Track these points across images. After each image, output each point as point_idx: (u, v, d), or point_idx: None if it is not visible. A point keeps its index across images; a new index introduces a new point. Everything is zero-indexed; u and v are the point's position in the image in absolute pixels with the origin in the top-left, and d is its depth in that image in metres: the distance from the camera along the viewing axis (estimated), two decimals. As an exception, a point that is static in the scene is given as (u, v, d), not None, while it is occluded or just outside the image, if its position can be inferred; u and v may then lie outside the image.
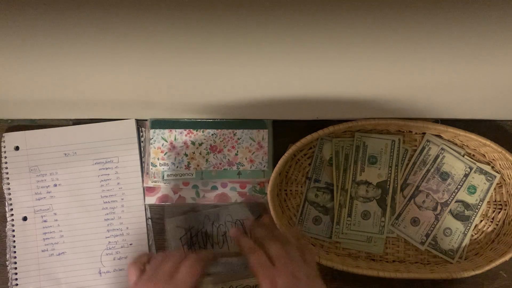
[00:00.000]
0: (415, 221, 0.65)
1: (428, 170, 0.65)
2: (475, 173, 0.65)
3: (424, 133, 0.66)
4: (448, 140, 0.66)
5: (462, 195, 0.65)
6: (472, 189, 0.65)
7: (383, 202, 0.65)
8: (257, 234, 0.53)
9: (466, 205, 0.65)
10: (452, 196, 0.65)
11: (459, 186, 0.65)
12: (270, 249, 0.48)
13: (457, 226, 0.65)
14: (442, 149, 0.65)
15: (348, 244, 0.66)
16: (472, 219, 0.65)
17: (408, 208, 0.65)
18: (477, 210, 0.65)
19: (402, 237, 0.66)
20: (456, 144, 0.65)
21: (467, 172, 0.65)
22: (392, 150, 0.65)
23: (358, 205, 0.65)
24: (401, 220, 0.65)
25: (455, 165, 0.65)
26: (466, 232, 0.65)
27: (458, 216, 0.65)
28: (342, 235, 0.65)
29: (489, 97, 0.53)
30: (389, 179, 0.65)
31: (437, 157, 0.65)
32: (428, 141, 0.66)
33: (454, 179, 0.65)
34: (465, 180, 0.65)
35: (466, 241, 0.65)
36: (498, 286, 0.65)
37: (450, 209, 0.65)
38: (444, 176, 0.65)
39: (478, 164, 0.65)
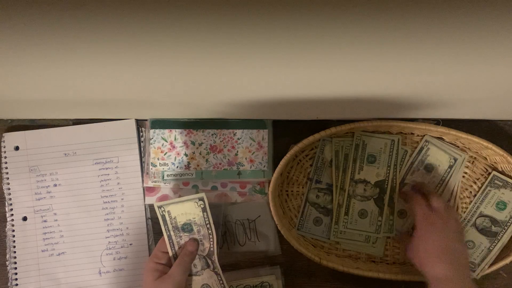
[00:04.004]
0: (401, 214, 0.66)
1: (412, 163, 0.65)
2: (505, 189, 0.64)
3: (425, 135, 0.66)
4: (450, 143, 0.65)
5: (490, 210, 0.64)
6: (501, 205, 0.64)
7: (381, 201, 0.65)
8: (425, 188, 0.63)
9: (494, 221, 0.64)
10: (437, 187, 0.65)
11: (443, 178, 0.65)
12: (432, 200, 0.59)
13: (481, 240, 0.63)
14: (426, 141, 0.65)
15: (348, 245, 0.66)
16: (500, 235, 0.63)
17: (405, 191, 0.66)
18: (506, 227, 0.63)
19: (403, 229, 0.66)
20: (458, 147, 0.65)
21: (451, 164, 0.65)
22: (392, 149, 0.65)
23: (356, 204, 0.65)
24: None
25: (439, 157, 0.65)
26: (491, 248, 0.63)
27: (483, 231, 0.64)
28: (341, 235, 0.65)
29: (489, 97, 0.53)
30: (387, 179, 0.65)
31: (421, 149, 0.65)
32: (426, 141, 0.65)
33: (438, 171, 0.65)
34: (449, 172, 0.65)
35: (491, 256, 0.63)
36: (498, 286, 0.65)
37: (475, 223, 0.64)
38: (429, 167, 0.65)
39: (495, 173, 0.64)
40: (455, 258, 0.54)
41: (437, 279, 0.53)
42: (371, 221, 0.65)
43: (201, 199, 0.55)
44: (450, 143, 0.65)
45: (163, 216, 0.56)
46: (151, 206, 0.66)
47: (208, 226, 0.57)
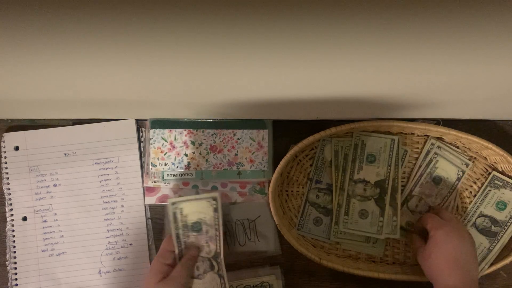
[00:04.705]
0: (409, 225, 0.65)
1: (421, 175, 0.65)
2: (505, 189, 0.63)
3: (425, 135, 0.66)
4: (450, 143, 0.65)
5: (490, 210, 0.64)
6: (501, 205, 0.64)
7: (382, 201, 0.64)
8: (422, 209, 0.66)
9: (494, 221, 0.64)
10: (445, 199, 0.65)
11: (451, 190, 0.65)
12: (443, 214, 0.59)
13: (481, 240, 0.63)
14: (435, 153, 0.65)
15: (348, 245, 0.66)
16: (500, 235, 0.63)
17: (401, 212, 0.65)
18: (506, 227, 0.63)
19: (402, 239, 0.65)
20: (457, 147, 0.65)
21: (459, 176, 0.64)
22: (392, 149, 0.65)
23: (356, 204, 0.64)
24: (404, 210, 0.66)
25: (447, 169, 0.65)
26: (491, 248, 0.63)
27: (483, 231, 0.63)
28: (341, 235, 0.65)
29: (489, 97, 0.53)
30: (387, 178, 0.65)
31: (430, 161, 0.65)
32: (436, 154, 0.65)
33: (446, 183, 0.65)
34: (457, 184, 0.64)
35: (491, 257, 0.62)
36: (498, 286, 0.65)
37: (475, 223, 0.64)
38: (437, 180, 0.65)
39: (495, 173, 0.64)
40: (467, 271, 0.53)
41: None
42: (372, 222, 0.64)
43: (215, 198, 0.56)
44: (455, 147, 0.65)
45: (174, 214, 0.57)
46: (151, 206, 0.66)
47: (216, 227, 0.57)
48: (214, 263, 0.58)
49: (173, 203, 0.57)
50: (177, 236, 0.57)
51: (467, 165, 0.65)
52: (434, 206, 0.65)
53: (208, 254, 0.58)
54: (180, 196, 0.66)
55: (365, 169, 0.65)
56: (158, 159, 0.65)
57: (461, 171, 0.64)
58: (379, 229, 0.64)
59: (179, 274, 0.54)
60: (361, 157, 0.65)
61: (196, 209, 0.57)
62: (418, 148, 0.66)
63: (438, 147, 0.65)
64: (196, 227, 0.57)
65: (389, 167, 0.65)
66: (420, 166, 0.66)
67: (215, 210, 0.57)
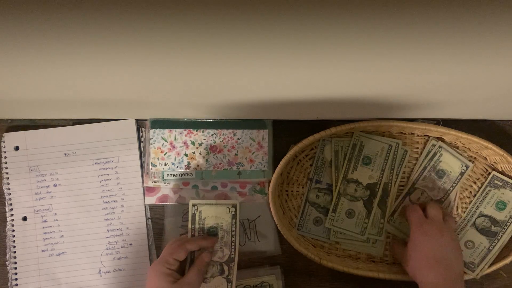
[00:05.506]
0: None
1: (424, 168, 0.65)
2: (505, 189, 0.64)
3: (425, 135, 0.66)
4: (450, 143, 0.65)
5: (490, 210, 0.64)
6: (501, 205, 0.64)
7: (370, 204, 0.64)
8: (424, 201, 0.65)
9: (494, 221, 0.64)
10: (447, 194, 0.65)
11: (454, 184, 0.65)
12: (430, 210, 0.59)
13: (481, 240, 0.63)
14: (440, 147, 0.65)
15: (348, 245, 0.66)
16: (500, 235, 0.63)
17: (403, 205, 0.65)
18: (506, 227, 0.63)
19: (395, 233, 0.65)
20: (457, 147, 0.65)
21: (463, 171, 0.64)
22: (388, 154, 0.65)
23: (344, 203, 0.65)
24: (395, 217, 0.66)
25: (451, 163, 0.65)
26: (491, 248, 0.63)
27: (483, 231, 0.63)
28: (341, 235, 0.65)
29: (489, 97, 0.53)
30: (379, 182, 0.65)
31: (434, 155, 0.65)
32: (440, 147, 0.65)
33: (449, 177, 0.65)
34: (460, 178, 0.64)
35: (491, 256, 0.62)
36: (498, 286, 0.65)
37: (475, 223, 0.64)
38: (440, 173, 0.65)
39: (495, 173, 0.64)
40: (447, 267, 0.54)
41: (427, 286, 0.53)
42: (357, 222, 0.65)
43: (234, 206, 0.59)
44: (455, 147, 0.65)
45: (193, 215, 0.58)
46: (151, 206, 0.66)
47: (233, 233, 0.58)
48: (226, 268, 0.58)
49: (194, 205, 0.59)
50: (192, 237, 0.58)
51: (471, 161, 0.65)
52: (434, 199, 0.65)
53: (220, 259, 0.58)
54: (180, 196, 0.66)
55: (360, 170, 0.65)
56: (158, 159, 0.65)
57: (465, 166, 0.64)
58: (363, 230, 0.64)
59: (194, 280, 0.55)
60: (357, 157, 0.65)
61: (214, 214, 0.59)
62: (418, 148, 0.67)
63: (440, 147, 0.65)
64: (212, 231, 0.58)
65: (382, 172, 0.65)
66: (423, 160, 0.66)
67: (233, 217, 0.59)
